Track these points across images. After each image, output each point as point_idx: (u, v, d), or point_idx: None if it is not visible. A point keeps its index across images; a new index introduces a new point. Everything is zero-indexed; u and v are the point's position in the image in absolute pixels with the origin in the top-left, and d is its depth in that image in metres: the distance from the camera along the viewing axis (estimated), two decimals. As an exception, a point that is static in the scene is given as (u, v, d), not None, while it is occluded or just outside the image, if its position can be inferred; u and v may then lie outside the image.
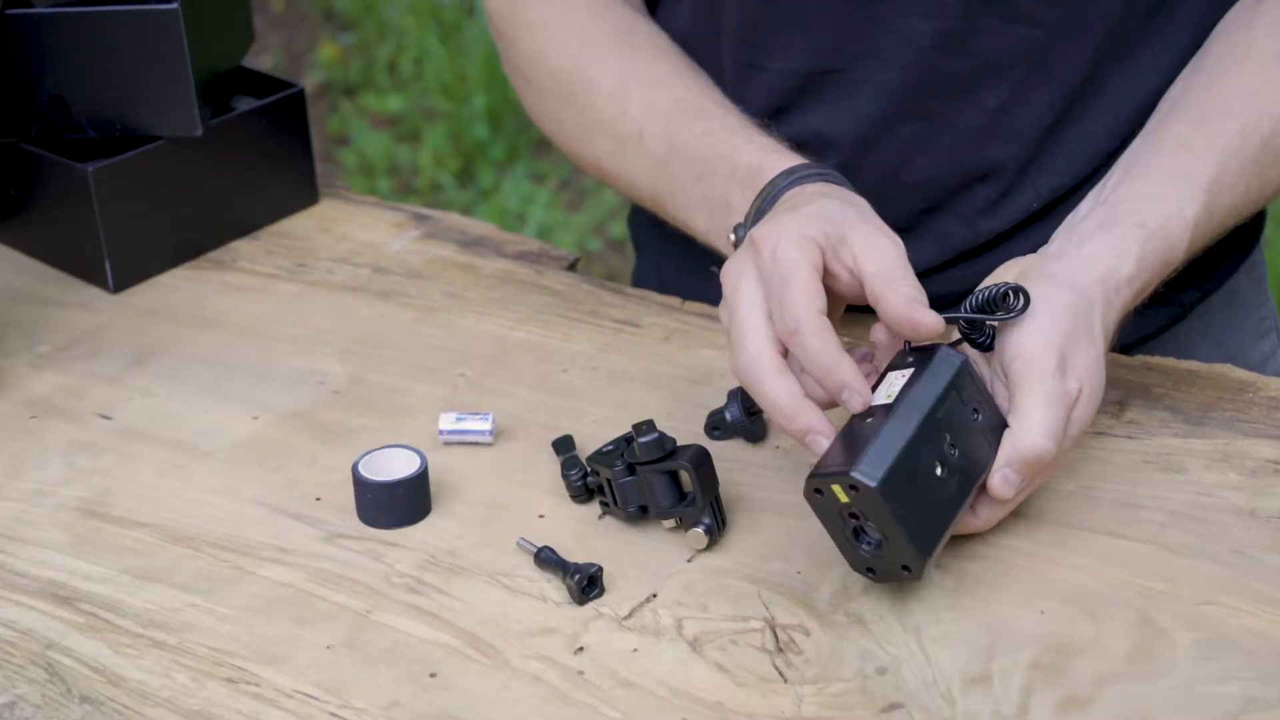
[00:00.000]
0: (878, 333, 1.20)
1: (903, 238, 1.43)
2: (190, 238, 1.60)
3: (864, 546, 1.13)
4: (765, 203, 1.27)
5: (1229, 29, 1.33)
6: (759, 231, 1.19)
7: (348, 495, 1.28)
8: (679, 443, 1.22)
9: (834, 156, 1.42)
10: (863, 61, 1.39)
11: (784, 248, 1.17)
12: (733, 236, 1.29)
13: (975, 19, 1.36)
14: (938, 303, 1.18)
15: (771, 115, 1.42)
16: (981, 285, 1.20)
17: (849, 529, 1.13)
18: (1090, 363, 1.17)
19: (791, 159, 1.30)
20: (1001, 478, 1.15)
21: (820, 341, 1.14)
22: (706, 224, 1.34)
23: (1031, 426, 1.14)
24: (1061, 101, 1.38)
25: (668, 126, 1.37)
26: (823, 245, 1.17)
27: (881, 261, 1.17)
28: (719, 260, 1.29)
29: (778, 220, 1.20)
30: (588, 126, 1.43)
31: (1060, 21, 1.36)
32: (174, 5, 1.51)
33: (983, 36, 1.36)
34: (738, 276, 1.19)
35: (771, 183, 1.28)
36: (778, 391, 1.15)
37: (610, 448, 1.25)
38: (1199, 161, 1.26)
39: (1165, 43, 1.37)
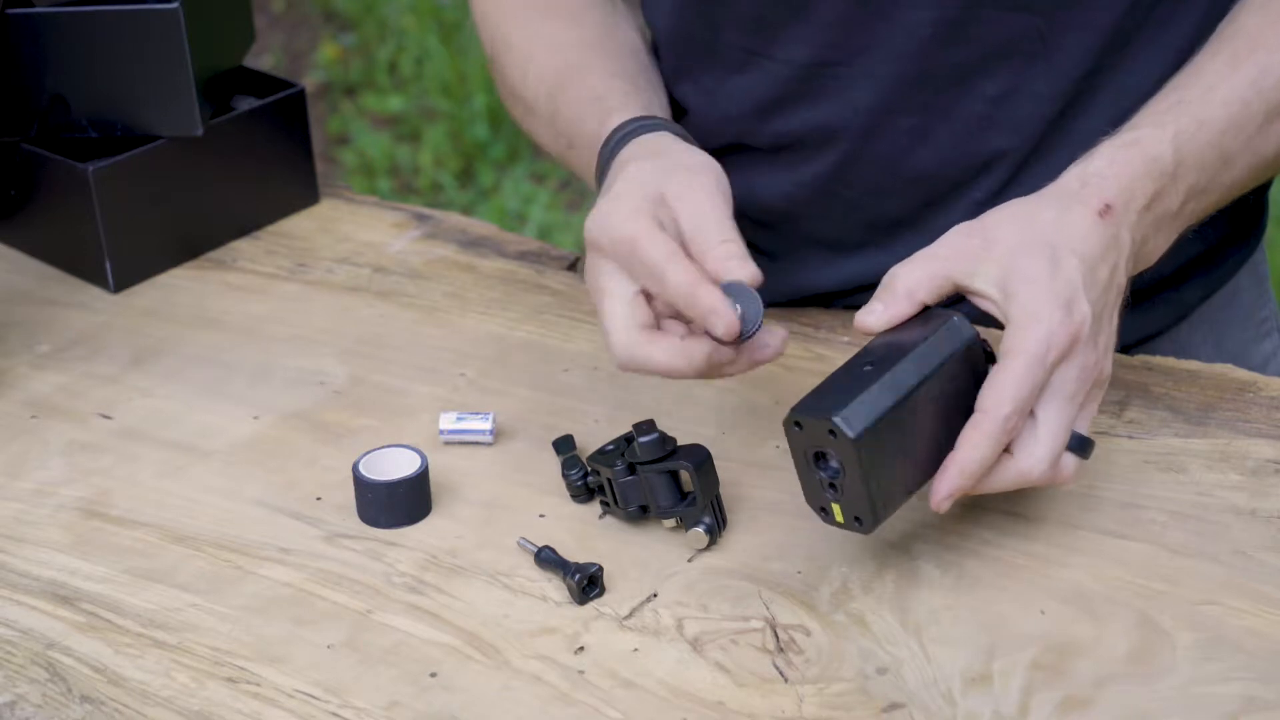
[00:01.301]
0: (866, 317, 1.20)
1: (904, 230, 1.43)
2: (191, 237, 1.60)
3: (822, 473, 1.14)
4: (601, 179, 1.32)
5: None
6: (588, 236, 1.24)
7: (348, 495, 1.28)
8: (679, 442, 1.23)
9: (835, 149, 1.42)
10: (863, 54, 1.39)
11: (614, 229, 1.21)
12: None
13: (974, 8, 1.36)
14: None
15: (772, 107, 1.43)
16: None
17: (812, 455, 1.14)
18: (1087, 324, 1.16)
19: (616, 120, 1.35)
20: (936, 498, 1.14)
21: (683, 273, 1.18)
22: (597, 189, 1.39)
23: (954, 466, 1.13)
24: (1064, 93, 1.38)
25: (553, 96, 1.43)
26: (647, 211, 1.22)
27: (694, 215, 1.22)
28: None
29: (597, 212, 1.24)
30: (505, 90, 1.51)
31: (1060, 11, 1.36)
32: (174, 5, 1.51)
33: (982, 25, 1.36)
34: (592, 279, 1.24)
35: (600, 156, 1.33)
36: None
37: (611, 447, 1.25)
38: (1174, 88, 1.27)
39: (1169, 37, 1.37)
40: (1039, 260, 1.16)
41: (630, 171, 1.26)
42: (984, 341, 1.18)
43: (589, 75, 1.42)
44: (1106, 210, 1.19)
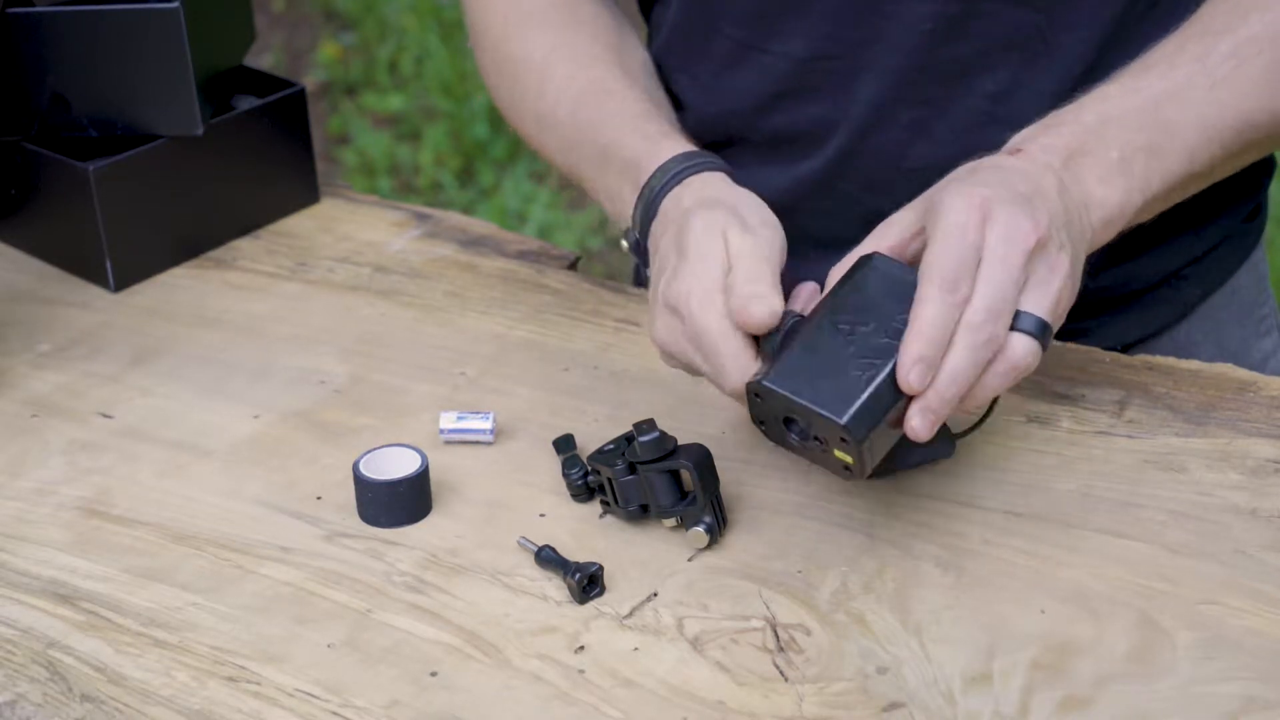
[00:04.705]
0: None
1: None
2: (191, 237, 1.60)
3: (793, 437, 1.15)
4: (649, 208, 1.30)
5: None
6: (671, 290, 1.21)
7: (348, 494, 1.28)
8: (680, 442, 1.23)
9: (833, 144, 1.42)
10: (862, 48, 1.39)
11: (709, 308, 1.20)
12: (624, 243, 1.34)
13: (975, 3, 1.36)
14: None
15: (770, 101, 1.43)
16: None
17: (780, 428, 1.16)
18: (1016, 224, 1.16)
19: (669, 150, 1.32)
20: (903, 370, 1.13)
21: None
22: (611, 210, 1.38)
23: (911, 335, 1.13)
24: (1063, 88, 1.38)
25: (576, 110, 1.41)
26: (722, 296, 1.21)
27: (740, 270, 1.21)
28: None
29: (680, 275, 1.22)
30: (515, 99, 1.48)
31: (1061, 7, 1.36)
32: (175, 4, 1.51)
33: (983, 20, 1.37)
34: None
35: (648, 184, 1.31)
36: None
37: (611, 447, 1.25)
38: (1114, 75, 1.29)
39: (1169, 34, 1.37)
40: (948, 185, 1.18)
41: (702, 227, 1.24)
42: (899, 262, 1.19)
43: (624, 90, 1.40)
44: (1018, 150, 1.22)
